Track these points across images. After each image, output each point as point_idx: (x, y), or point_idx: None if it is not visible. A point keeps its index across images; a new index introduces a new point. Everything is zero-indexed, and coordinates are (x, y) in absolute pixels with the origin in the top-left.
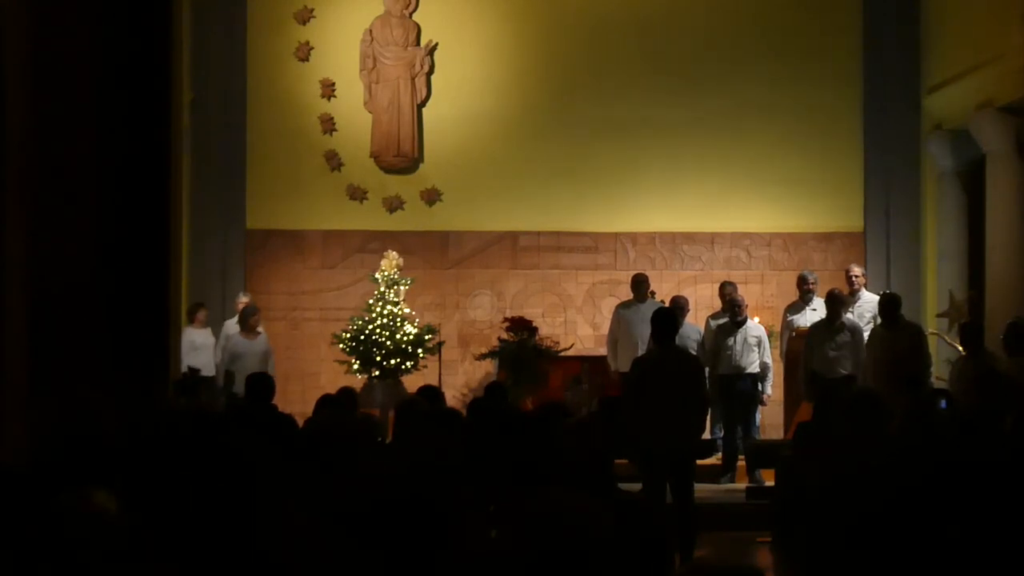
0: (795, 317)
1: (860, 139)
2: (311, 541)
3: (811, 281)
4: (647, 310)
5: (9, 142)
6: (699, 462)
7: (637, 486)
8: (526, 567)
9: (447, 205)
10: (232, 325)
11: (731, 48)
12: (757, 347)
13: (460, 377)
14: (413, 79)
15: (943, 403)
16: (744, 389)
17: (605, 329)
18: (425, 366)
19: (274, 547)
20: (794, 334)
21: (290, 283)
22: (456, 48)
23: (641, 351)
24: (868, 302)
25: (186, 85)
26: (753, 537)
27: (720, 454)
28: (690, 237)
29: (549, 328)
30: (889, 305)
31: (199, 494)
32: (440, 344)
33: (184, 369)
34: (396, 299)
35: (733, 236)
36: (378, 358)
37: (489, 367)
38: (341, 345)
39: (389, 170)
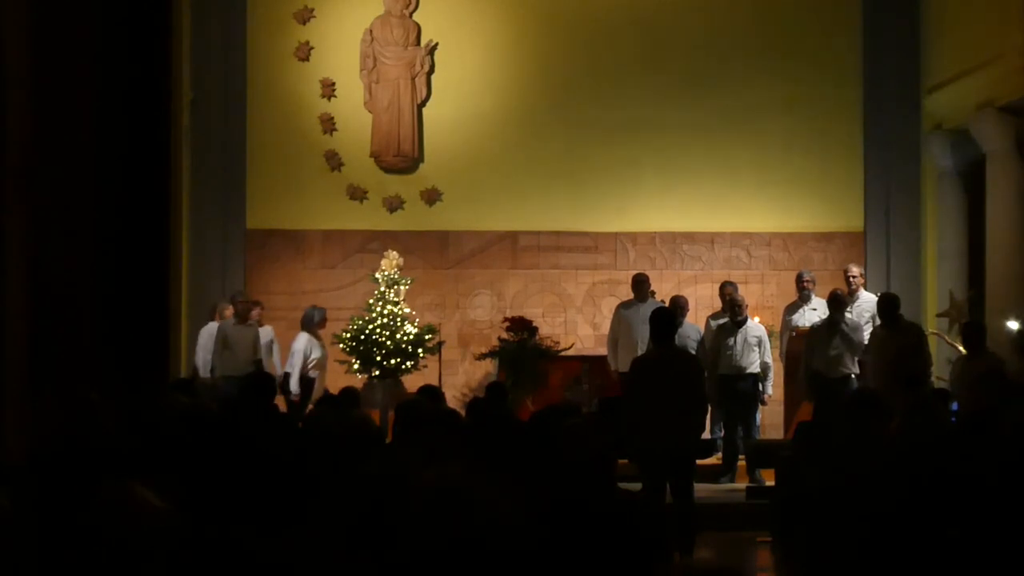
0: (794, 317)
1: (860, 139)
2: (310, 541)
3: (806, 279)
4: (647, 310)
5: (9, 142)
6: (699, 462)
7: (637, 486)
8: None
9: (447, 205)
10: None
11: (731, 48)
12: (757, 347)
13: (460, 377)
14: (413, 79)
15: (954, 406)
16: (745, 389)
17: (605, 329)
18: (425, 366)
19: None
20: (794, 334)
21: (290, 283)
22: (456, 48)
23: (641, 351)
24: (867, 302)
25: (186, 85)
26: (753, 537)
27: (720, 454)
28: (690, 237)
29: (549, 328)
30: (888, 305)
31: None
32: (440, 344)
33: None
34: (396, 299)
35: (733, 236)
36: (378, 358)
37: (489, 367)
38: (341, 345)
39: (389, 170)
